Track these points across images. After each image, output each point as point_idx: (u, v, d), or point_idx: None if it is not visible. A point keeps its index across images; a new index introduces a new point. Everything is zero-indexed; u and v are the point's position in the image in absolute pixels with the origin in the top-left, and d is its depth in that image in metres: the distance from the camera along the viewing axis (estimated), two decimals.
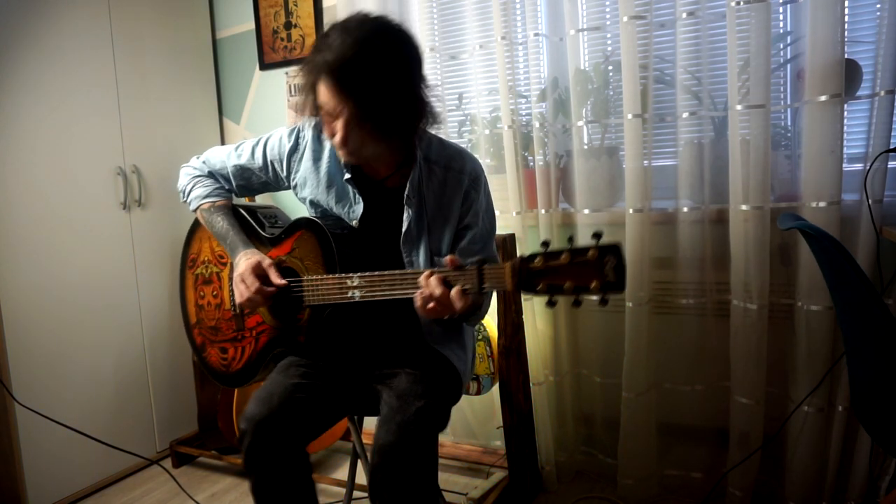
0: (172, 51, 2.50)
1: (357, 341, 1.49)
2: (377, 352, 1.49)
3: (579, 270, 1.08)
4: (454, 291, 1.17)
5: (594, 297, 1.08)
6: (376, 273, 1.29)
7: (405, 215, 1.40)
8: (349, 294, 1.31)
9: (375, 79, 1.21)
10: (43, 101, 2.09)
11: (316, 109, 1.30)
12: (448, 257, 1.19)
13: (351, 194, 1.45)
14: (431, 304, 1.19)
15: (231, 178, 1.58)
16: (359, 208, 1.44)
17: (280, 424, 1.33)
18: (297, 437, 1.37)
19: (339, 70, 1.20)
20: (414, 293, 1.23)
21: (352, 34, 1.21)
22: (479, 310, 1.39)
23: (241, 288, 1.39)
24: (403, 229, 1.40)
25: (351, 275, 1.31)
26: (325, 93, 1.25)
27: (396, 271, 1.27)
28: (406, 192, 1.39)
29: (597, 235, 1.08)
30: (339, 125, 1.26)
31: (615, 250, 1.06)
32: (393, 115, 1.25)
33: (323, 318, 1.38)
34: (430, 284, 1.18)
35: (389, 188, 1.44)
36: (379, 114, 1.24)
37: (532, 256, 1.12)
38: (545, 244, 1.12)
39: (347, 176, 1.43)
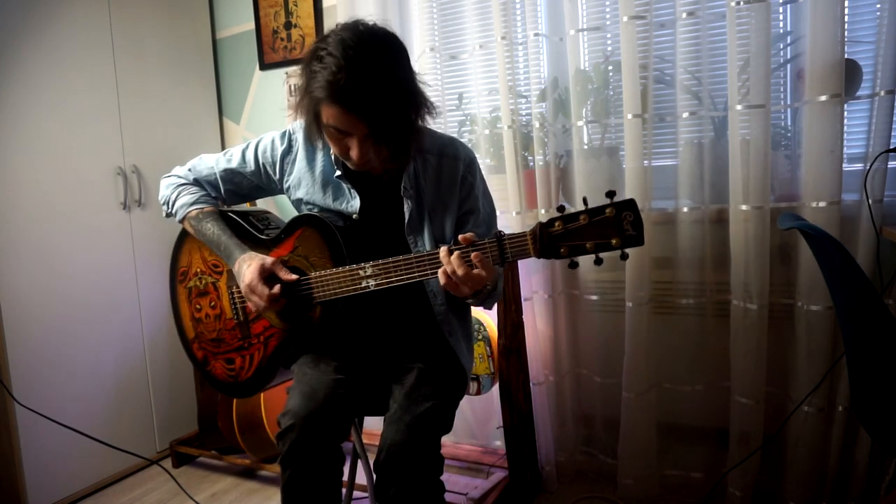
0: (172, 51, 2.50)
1: (369, 335, 1.48)
2: (389, 344, 1.49)
3: (599, 230, 1.10)
4: (477, 262, 1.17)
5: (615, 252, 1.11)
6: (390, 259, 1.28)
7: (405, 206, 1.40)
8: (363, 284, 1.30)
9: (380, 93, 1.20)
10: (43, 101, 2.09)
11: (320, 128, 1.29)
12: (462, 235, 1.19)
13: (346, 191, 1.44)
14: (457, 281, 1.18)
15: (220, 183, 1.55)
16: (356, 203, 1.43)
17: (325, 419, 1.30)
18: (339, 432, 1.35)
19: (343, 92, 1.19)
20: (430, 274, 1.23)
21: (345, 50, 1.19)
22: (494, 290, 1.39)
23: (254, 299, 1.37)
24: (406, 220, 1.40)
25: (363, 265, 1.30)
26: (332, 115, 1.23)
27: (411, 254, 1.26)
28: (403, 184, 1.39)
29: (610, 194, 1.10)
30: (353, 143, 1.26)
31: (631, 205, 1.08)
32: (401, 121, 1.26)
33: (336, 313, 1.37)
34: (452, 262, 1.18)
35: (385, 182, 1.43)
36: (390, 125, 1.24)
37: (551, 221, 1.13)
38: (560, 209, 1.13)
39: (338, 173, 1.42)
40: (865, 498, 1.72)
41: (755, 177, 1.74)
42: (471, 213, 1.44)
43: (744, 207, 1.76)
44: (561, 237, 1.13)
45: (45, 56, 2.09)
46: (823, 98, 1.63)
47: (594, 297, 2.06)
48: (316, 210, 1.48)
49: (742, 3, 1.69)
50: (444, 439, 2.50)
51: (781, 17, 1.84)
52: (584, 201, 1.12)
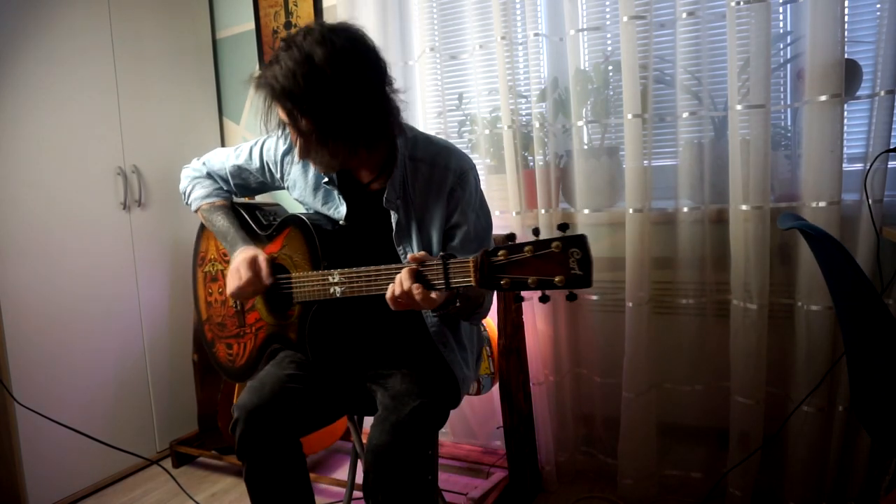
0: (172, 51, 2.50)
1: (352, 340, 1.49)
2: (373, 351, 1.49)
3: (543, 264, 1.01)
4: (416, 288, 1.12)
5: (563, 291, 1.02)
6: (354, 269, 1.27)
7: (392, 216, 1.39)
8: (331, 290, 1.31)
9: (320, 100, 1.20)
10: (43, 101, 2.09)
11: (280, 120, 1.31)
12: (411, 255, 1.17)
13: (335, 197, 1.46)
14: (400, 300, 1.15)
15: (229, 178, 1.60)
16: (342, 209, 1.44)
17: (270, 413, 1.34)
18: (288, 426, 1.38)
19: (282, 94, 1.21)
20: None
21: (298, 52, 1.20)
22: (479, 307, 1.36)
23: (235, 280, 1.41)
24: (393, 229, 1.39)
25: (332, 271, 1.30)
26: (279, 111, 1.27)
27: (373, 267, 1.24)
28: (385, 196, 1.37)
29: (562, 227, 1.04)
30: (296, 137, 1.29)
31: (580, 242, 0.98)
32: (344, 130, 1.24)
33: (311, 314, 1.39)
34: (395, 280, 1.15)
35: (374, 191, 1.42)
36: (328, 131, 1.23)
37: (496, 250, 1.05)
38: (510, 237, 1.09)
39: (325, 179, 1.44)
40: (865, 498, 1.72)
41: (755, 177, 1.74)
42: (457, 227, 1.38)
43: (744, 207, 1.76)
44: (503, 268, 1.04)
45: (46, 57, 2.09)
46: (823, 98, 1.63)
47: (594, 297, 2.06)
48: (311, 211, 1.50)
49: (742, 3, 1.69)
50: (444, 439, 2.50)
51: (781, 17, 1.84)
52: (535, 232, 1.06)
